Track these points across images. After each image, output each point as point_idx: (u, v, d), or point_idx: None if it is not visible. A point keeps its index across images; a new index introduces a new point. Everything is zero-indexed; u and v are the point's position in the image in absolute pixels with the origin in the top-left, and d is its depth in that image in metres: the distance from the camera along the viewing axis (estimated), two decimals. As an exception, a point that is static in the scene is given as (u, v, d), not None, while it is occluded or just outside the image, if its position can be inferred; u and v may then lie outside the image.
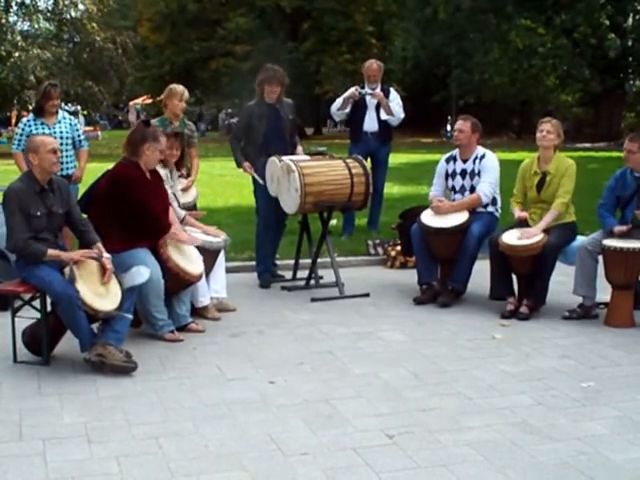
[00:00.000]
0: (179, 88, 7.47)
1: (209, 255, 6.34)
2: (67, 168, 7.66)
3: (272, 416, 4.40)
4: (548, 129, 6.51)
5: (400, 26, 39.39)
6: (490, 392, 4.77)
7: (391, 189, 13.25)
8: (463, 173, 7.02)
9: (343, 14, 37.70)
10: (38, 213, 5.04)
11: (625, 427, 4.23)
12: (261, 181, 7.41)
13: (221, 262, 6.63)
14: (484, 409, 4.49)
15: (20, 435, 4.15)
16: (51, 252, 5.01)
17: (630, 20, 34.31)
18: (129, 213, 5.57)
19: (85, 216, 5.54)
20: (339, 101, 9.52)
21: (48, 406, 4.53)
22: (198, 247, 6.20)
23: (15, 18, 28.21)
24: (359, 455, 3.88)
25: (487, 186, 6.87)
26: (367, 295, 7.18)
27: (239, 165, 7.60)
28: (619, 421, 4.31)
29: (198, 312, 6.37)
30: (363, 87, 9.38)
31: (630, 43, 34.36)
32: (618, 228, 6.28)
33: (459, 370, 5.18)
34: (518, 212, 6.68)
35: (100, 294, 5.03)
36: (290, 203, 7.10)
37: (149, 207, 5.64)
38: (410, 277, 7.41)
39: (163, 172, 6.21)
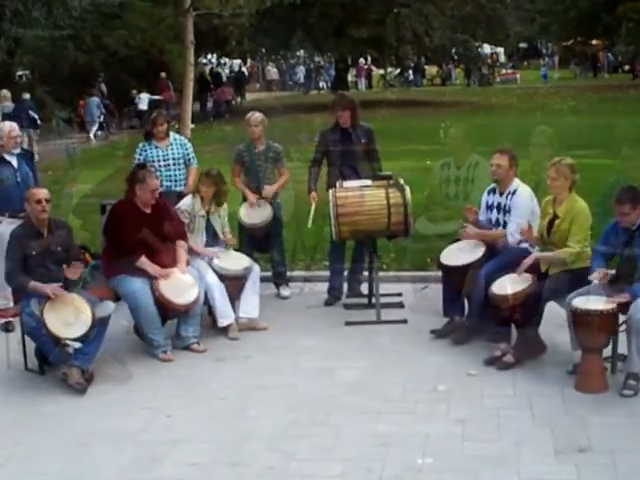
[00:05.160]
0: (247, 115, 8.13)
1: (230, 282, 7.07)
2: (179, 185, 8.70)
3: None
4: (552, 176, 6.18)
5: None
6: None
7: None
8: (498, 207, 6.90)
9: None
10: (33, 252, 6.19)
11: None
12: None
13: (254, 285, 7.26)
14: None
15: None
16: (32, 285, 6.10)
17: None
18: (121, 244, 6.55)
19: None
20: None
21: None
22: (217, 273, 6.97)
23: (9, 25, 28.16)
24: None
25: (516, 227, 6.65)
26: (405, 322, 7.26)
27: (309, 192, 7.99)
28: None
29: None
30: None
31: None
32: (596, 274, 5.81)
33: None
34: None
35: (69, 323, 5.95)
36: (332, 230, 7.38)
37: (134, 239, 6.51)
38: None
39: (189, 202, 7.14)
